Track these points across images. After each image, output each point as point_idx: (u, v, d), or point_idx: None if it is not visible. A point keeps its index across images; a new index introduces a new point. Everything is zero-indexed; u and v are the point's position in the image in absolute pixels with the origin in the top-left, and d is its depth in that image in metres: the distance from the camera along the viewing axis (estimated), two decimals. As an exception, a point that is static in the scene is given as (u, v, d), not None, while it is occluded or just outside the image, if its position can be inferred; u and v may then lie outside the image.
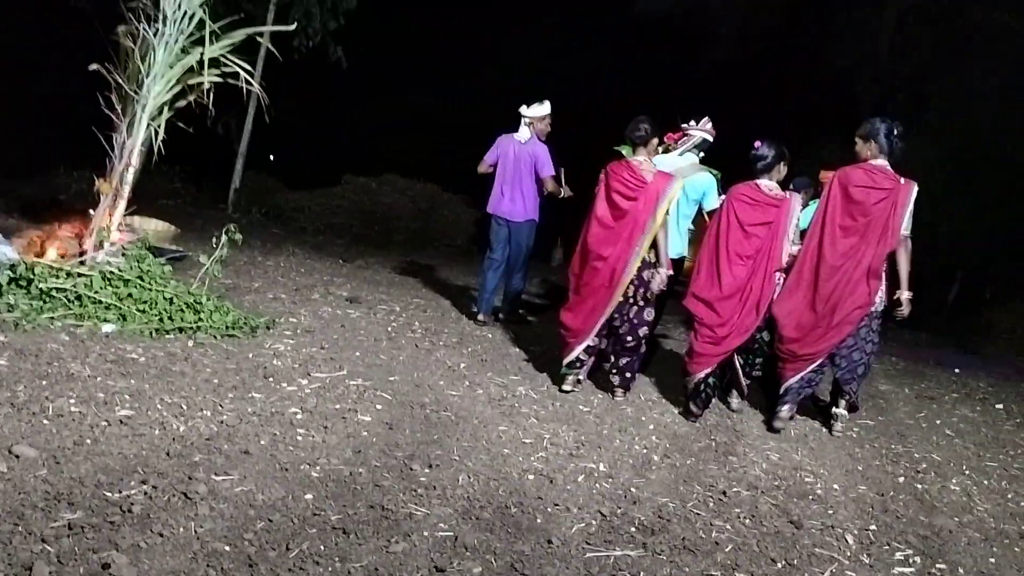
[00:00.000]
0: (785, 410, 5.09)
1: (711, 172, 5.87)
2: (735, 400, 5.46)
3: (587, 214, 5.26)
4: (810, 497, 3.96)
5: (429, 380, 4.91)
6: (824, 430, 5.34)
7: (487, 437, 4.02)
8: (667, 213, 5.05)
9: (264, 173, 16.70)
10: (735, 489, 3.88)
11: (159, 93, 5.59)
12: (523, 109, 7.01)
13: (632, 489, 3.65)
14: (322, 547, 2.63)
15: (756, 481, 4.06)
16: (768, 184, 5.13)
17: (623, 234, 5.02)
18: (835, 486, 4.20)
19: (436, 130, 18.70)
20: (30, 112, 16.64)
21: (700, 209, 5.89)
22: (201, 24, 5.65)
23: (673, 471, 4.03)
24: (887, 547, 3.46)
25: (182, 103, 5.78)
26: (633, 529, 3.21)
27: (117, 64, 5.72)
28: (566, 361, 5.25)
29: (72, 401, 3.47)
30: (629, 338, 5.15)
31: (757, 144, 5.17)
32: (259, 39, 6.41)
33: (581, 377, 5.33)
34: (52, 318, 4.62)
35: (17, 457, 2.85)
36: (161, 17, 5.56)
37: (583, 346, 5.17)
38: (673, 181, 5.09)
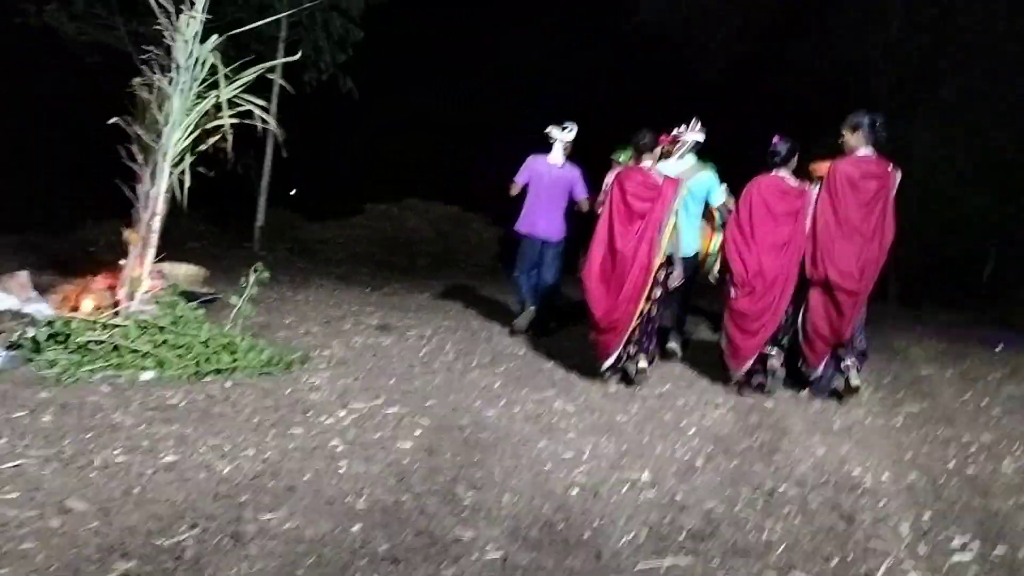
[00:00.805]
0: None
1: (709, 165, 6.24)
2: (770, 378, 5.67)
3: (604, 222, 5.59)
4: (860, 490, 3.90)
5: (465, 402, 4.91)
6: (868, 420, 5.27)
7: (528, 455, 4.01)
8: (676, 214, 5.48)
9: (286, 208, 16.89)
10: (783, 487, 3.83)
11: (178, 140, 5.69)
12: (555, 131, 7.15)
13: (678, 496, 3.62)
14: (373, 578, 2.64)
15: (803, 478, 4.01)
16: (788, 175, 5.50)
17: (646, 235, 5.37)
18: (885, 476, 4.14)
19: (438, 131, 18.74)
20: (55, 168, 17.01)
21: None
22: (214, 69, 5.75)
23: (718, 474, 3.99)
24: (943, 535, 3.40)
25: (202, 147, 5.87)
26: (682, 537, 3.18)
27: (135, 115, 5.84)
28: (607, 364, 5.55)
29: (118, 451, 3.52)
30: (647, 328, 5.59)
31: (776, 139, 5.52)
32: (270, 76, 6.50)
33: (645, 365, 5.61)
34: (92, 371, 4.69)
35: (69, 511, 2.90)
36: (174, 66, 5.66)
37: (620, 346, 5.46)
38: (680, 184, 5.55)
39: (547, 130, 7.19)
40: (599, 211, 6.91)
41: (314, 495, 3.28)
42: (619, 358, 5.54)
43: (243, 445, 3.77)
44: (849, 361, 5.43)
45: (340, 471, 3.57)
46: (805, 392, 5.96)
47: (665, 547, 3.07)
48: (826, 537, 3.28)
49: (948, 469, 4.35)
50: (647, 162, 5.65)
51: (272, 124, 6.20)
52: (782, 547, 3.15)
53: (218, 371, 4.99)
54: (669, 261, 5.54)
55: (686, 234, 6.03)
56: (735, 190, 6.10)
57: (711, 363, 6.75)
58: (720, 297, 5.79)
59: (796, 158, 5.55)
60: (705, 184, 6.23)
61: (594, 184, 7.01)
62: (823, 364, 5.49)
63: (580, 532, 3.15)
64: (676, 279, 5.56)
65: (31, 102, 17.51)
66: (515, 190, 7.30)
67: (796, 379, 5.78)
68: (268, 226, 15.62)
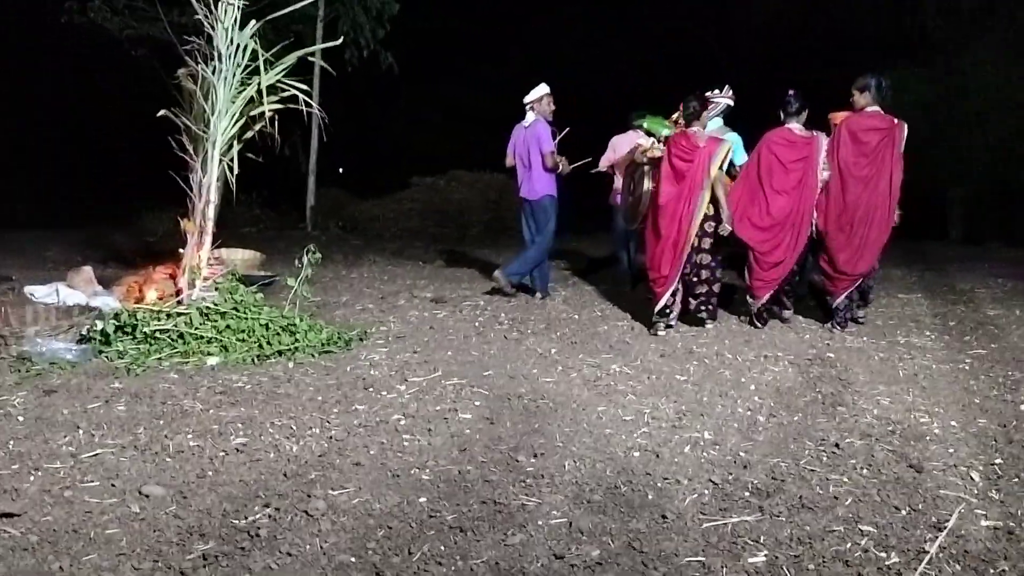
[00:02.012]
0: (859, 313, 6.39)
1: (733, 134, 6.60)
2: (786, 312, 6.44)
3: (655, 181, 6.23)
4: (928, 438, 3.83)
5: (523, 370, 4.95)
6: (934, 367, 5.17)
7: (587, 419, 4.03)
8: (720, 169, 5.95)
9: (335, 187, 17.08)
10: (848, 440, 3.79)
11: (226, 128, 5.78)
12: (525, 98, 7.39)
13: (741, 453, 3.61)
14: (442, 547, 2.69)
15: (869, 429, 3.96)
16: (798, 127, 6.11)
17: (684, 192, 5.93)
18: (953, 423, 4.06)
19: (473, 110, 18.73)
20: (109, 163, 17.45)
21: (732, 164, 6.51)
22: (255, 55, 5.80)
23: (781, 430, 3.96)
24: (1016, 479, 3.33)
25: (249, 134, 5.96)
26: (747, 494, 3.17)
27: (183, 106, 5.94)
28: (657, 309, 6.05)
29: (190, 436, 3.65)
30: (702, 276, 6.12)
31: (791, 92, 6.17)
32: (311, 59, 6.54)
33: (672, 323, 6.14)
34: (159, 359, 4.85)
35: (147, 497, 3.01)
36: (216, 55, 5.73)
37: (670, 291, 5.99)
38: (721, 143, 6.01)
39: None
40: (604, 169, 8.15)
41: (380, 469, 3.35)
42: (668, 308, 6.06)
43: (308, 424, 3.87)
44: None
45: (404, 444, 3.64)
46: (865, 340, 5.89)
47: (730, 505, 3.07)
48: (894, 488, 3.23)
49: (1020, 412, 4.24)
50: (695, 127, 6.08)
51: (315, 107, 6.24)
52: (850, 500, 3.12)
53: (280, 352, 5.11)
54: (716, 215, 6.00)
55: None
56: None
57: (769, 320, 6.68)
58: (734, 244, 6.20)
59: (806, 112, 6.17)
60: (728, 146, 6.35)
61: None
62: (843, 295, 6.14)
63: (643, 494, 3.16)
64: (724, 229, 5.98)
65: (83, 99, 17.95)
66: (509, 161, 7.60)
67: (825, 311, 6.48)
68: (319, 206, 15.85)
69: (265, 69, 5.83)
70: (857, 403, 4.38)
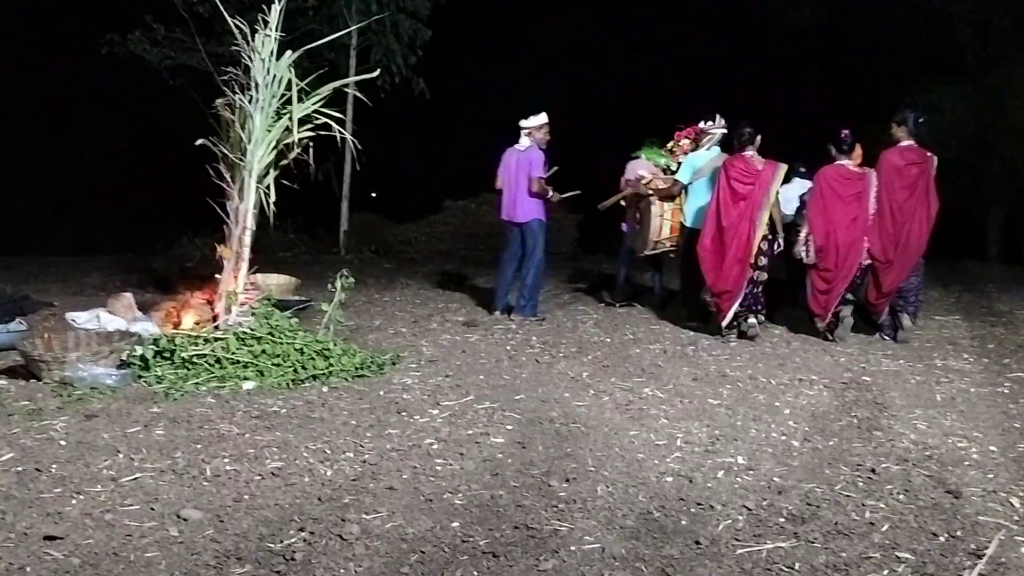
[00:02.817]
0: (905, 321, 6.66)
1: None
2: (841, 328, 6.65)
3: (713, 203, 6.66)
4: (966, 463, 3.78)
5: (554, 394, 4.95)
6: (972, 390, 5.09)
7: (619, 444, 4.02)
8: (777, 193, 6.55)
9: (368, 212, 17.26)
10: (884, 465, 3.74)
11: (262, 157, 5.89)
12: (522, 121, 7.60)
13: (776, 479, 3.58)
14: (475, 572, 2.70)
15: (906, 454, 3.91)
16: (851, 163, 6.64)
17: (747, 212, 6.45)
18: (992, 448, 3.99)
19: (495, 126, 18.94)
20: (148, 191, 17.83)
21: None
22: (290, 85, 5.92)
23: (816, 455, 3.92)
24: (1059, 507, 3.26)
25: (284, 162, 6.07)
26: (782, 520, 3.15)
27: (220, 135, 6.07)
28: (726, 323, 6.59)
29: (226, 460, 3.70)
30: (756, 292, 6.63)
31: (845, 132, 6.61)
32: (345, 89, 6.66)
33: (755, 321, 6.64)
34: (197, 383, 4.93)
35: (185, 520, 3.06)
36: (253, 84, 5.86)
37: (737, 304, 6.52)
38: (779, 168, 6.57)
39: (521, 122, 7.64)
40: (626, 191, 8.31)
41: (413, 494, 3.37)
42: (736, 317, 6.58)
43: (343, 448, 3.91)
44: (908, 310, 6.67)
45: (437, 469, 3.66)
46: (902, 363, 5.82)
47: (765, 531, 3.04)
48: (932, 514, 3.19)
49: (1062, 437, 4.16)
50: (748, 151, 6.64)
51: (349, 135, 6.35)
52: (886, 526, 3.08)
53: (314, 377, 5.17)
54: (772, 233, 6.64)
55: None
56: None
57: (803, 341, 6.63)
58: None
59: (854, 150, 6.70)
60: (783, 169, 6.80)
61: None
62: (884, 313, 6.69)
63: (677, 519, 3.15)
64: (779, 246, 6.66)
65: (123, 128, 18.39)
66: (499, 183, 7.73)
67: (871, 325, 6.86)
68: (352, 230, 16.02)
69: (300, 98, 5.95)
70: (893, 427, 4.33)
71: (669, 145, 7.92)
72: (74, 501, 3.22)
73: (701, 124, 7.39)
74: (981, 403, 4.82)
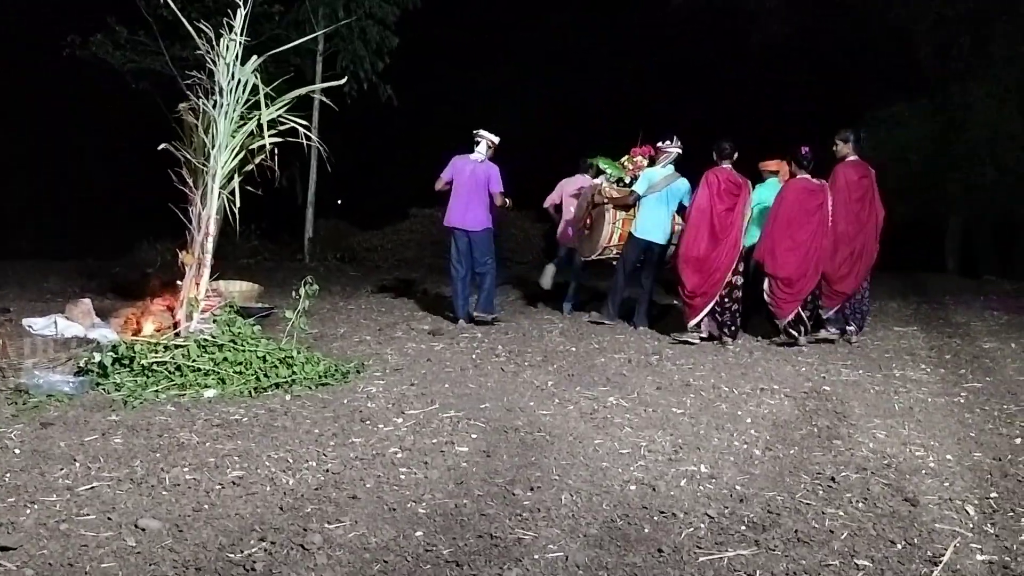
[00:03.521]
0: (834, 330, 7.12)
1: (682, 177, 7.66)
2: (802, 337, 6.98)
3: (696, 208, 7.01)
4: (923, 472, 3.84)
5: (520, 403, 4.95)
6: (930, 400, 5.19)
7: (584, 452, 4.04)
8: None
9: (334, 218, 17.15)
10: (844, 473, 3.80)
11: (226, 162, 5.82)
12: (484, 132, 7.90)
13: (737, 487, 3.61)
14: (438, 582, 2.70)
15: (864, 463, 3.97)
16: (809, 176, 6.95)
17: (736, 221, 6.89)
18: (948, 457, 4.07)
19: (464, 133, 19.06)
20: (108, 194, 17.55)
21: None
22: (256, 89, 5.87)
23: (777, 463, 3.97)
24: (1012, 514, 3.33)
25: (249, 167, 6.00)
26: (743, 527, 3.18)
27: (183, 139, 6.00)
28: (694, 323, 6.97)
29: (186, 469, 3.64)
30: (734, 296, 6.97)
31: (806, 150, 6.96)
32: (312, 95, 6.62)
33: (704, 335, 7.02)
34: (157, 391, 4.85)
35: (143, 530, 3.01)
36: (217, 89, 5.80)
37: (709, 307, 6.90)
38: (748, 184, 7.09)
39: (477, 132, 7.90)
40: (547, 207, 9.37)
41: (376, 503, 3.35)
42: (704, 318, 6.95)
43: (305, 457, 3.87)
44: (855, 320, 7.18)
45: (401, 478, 3.64)
46: (861, 373, 5.91)
47: (727, 539, 3.07)
48: (890, 522, 3.24)
49: (1015, 445, 4.26)
50: (726, 164, 7.05)
51: (315, 140, 6.31)
52: (845, 533, 3.12)
53: (277, 385, 5.12)
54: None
55: (662, 224, 7.63)
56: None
57: (765, 351, 6.72)
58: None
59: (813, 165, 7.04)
60: (682, 189, 7.59)
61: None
62: (835, 310, 7.09)
63: (640, 527, 3.16)
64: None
65: (84, 131, 18.08)
66: (440, 185, 7.87)
67: (816, 322, 7.14)
68: (317, 237, 15.90)
69: (265, 104, 5.89)
70: (853, 436, 4.39)
71: (624, 159, 8.28)
72: (28, 511, 3.15)
73: (659, 144, 7.83)
74: (938, 413, 4.91)
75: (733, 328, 6.99)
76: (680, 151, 7.71)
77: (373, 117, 16.96)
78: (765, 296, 6.96)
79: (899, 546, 3.02)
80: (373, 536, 3.02)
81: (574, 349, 6.70)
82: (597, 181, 8.16)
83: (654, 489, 3.57)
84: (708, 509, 3.35)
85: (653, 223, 7.57)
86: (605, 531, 3.12)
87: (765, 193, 7.34)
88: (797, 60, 17.25)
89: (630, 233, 7.73)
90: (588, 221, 8.17)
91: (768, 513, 3.32)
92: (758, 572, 2.79)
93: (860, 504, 3.43)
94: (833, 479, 3.72)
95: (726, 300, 6.94)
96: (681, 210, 7.59)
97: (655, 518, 3.26)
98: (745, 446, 4.21)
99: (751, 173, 7.41)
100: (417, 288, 10.79)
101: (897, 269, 14.75)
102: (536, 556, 2.89)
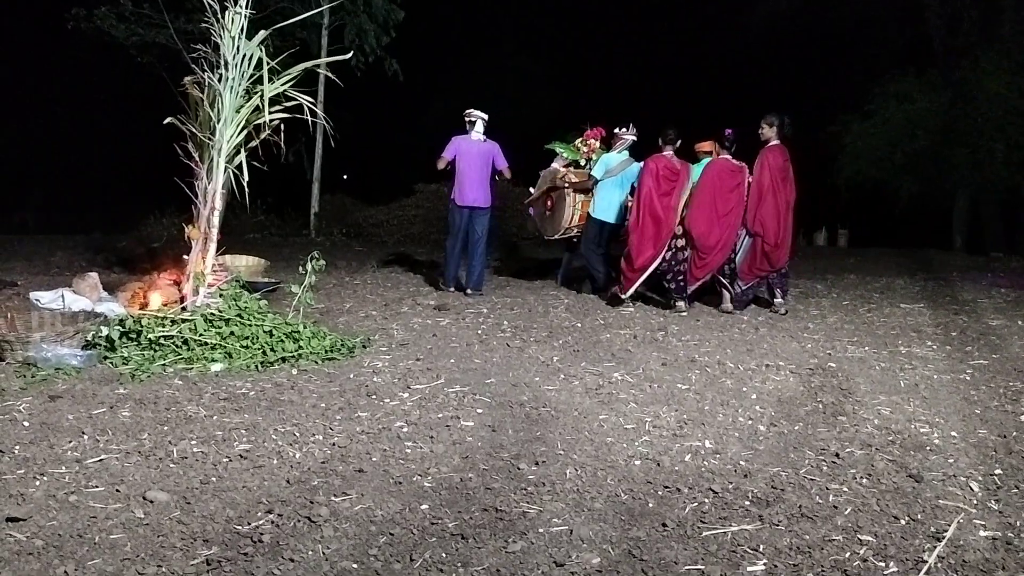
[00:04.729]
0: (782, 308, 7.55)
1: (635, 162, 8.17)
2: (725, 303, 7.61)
3: (638, 194, 7.56)
4: (928, 448, 3.85)
5: (525, 378, 4.97)
6: (935, 377, 5.19)
7: (589, 428, 4.05)
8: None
9: (340, 193, 17.12)
10: (848, 450, 3.80)
11: (231, 136, 5.81)
12: (476, 112, 8.26)
13: (742, 462, 3.63)
14: (444, 554, 2.71)
15: (869, 439, 3.97)
16: (731, 158, 7.57)
17: (671, 203, 7.44)
18: (953, 433, 4.07)
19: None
20: (115, 169, 17.54)
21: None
22: (261, 64, 5.84)
23: (782, 439, 3.98)
24: (1016, 490, 3.34)
25: (254, 142, 5.99)
26: (747, 503, 3.19)
27: (189, 113, 5.98)
28: (628, 294, 7.50)
29: (194, 442, 3.67)
30: (672, 273, 7.48)
31: (729, 132, 7.54)
32: (317, 70, 6.58)
33: (683, 305, 7.47)
34: (164, 365, 4.88)
35: (151, 502, 3.04)
36: (223, 63, 5.77)
37: (642, 280, 7.47)
38: (691, 168, 7.65)
39: (469, 112, 8.29)
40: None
41: (382, 476, 3.37)
42: (637, 289, 7.53)
43: (312, 431, 3.89)
44: (782, 286, 7.64)
45: (406, 452, 3.66)
46: (867, 350, 5.91)
47: (730, 514, 3.08)
48: (894, 497, 3.25)
49: (1020, 423, 4.26)
50: (668, 150, 7.64)
51: (321, 115, 6.28)
52: (849, 509, 3.13)
53: (284, 359, 5.14)
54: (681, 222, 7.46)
55: (617, 206, 8.19)
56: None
57: (771, 328, 6.71)
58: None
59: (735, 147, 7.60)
60: (634, 172, 8.04)
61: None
62: (750, 284, 7.59)
63: (644, 502, 3.18)
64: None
65: (89, 106, 18.03)
66: (442, 164, 8.26)
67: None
68: (323, 212, 15.90)
69: (271, 78, 5.86)
70: (858, 413, 4.40)
71: (578, 142, 8.82)
72: (38, 483, 3.18)
73: (616, 130, 8.41)
74: (943, 390, 4.91)
75: (683, 293, 7.51)
76: (635, 138, 8.30)
77: (379, 92, 16.88)
78: (676, 263, 7.51)
79: (903, 522, 3.03)
80: (379, 509, 3.04)
81: (579, 325, 6.71)
82: (555, 165, 8.76)
83: (658, 464, 3.59)
84: (712, 484, 3.36)
85: (609, 204, 8.21)
86: (609, 505, 3.14)
87: (699, 171, 7.76)
88: (802, 34, 17.07)
89: (588, 214, 8.36)
90: (549, 203, 8.80)
91: (772, 488, 3.33)
92: (762, 547, 2.80)
93: (864, 480, 3.44)
94: (837, 455, 3.73)
95: (674, 267, 7.48)
96: (633, 191, 8.08)
97: (659, 493, 3.27)
98: (750, 422, 4.22)
99: (746, 155, 7.69)
100: (423, 263, 10.79)
101: (904, 246, 14.73)
102: (541, 530, 2.91)
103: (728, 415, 4.32)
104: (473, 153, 8.16)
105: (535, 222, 9.28)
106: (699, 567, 2.66)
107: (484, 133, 8.27)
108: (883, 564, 2.69)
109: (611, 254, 8.33)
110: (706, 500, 3.21)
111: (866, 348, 6.03)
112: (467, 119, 8.28)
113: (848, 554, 2.76)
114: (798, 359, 5.64)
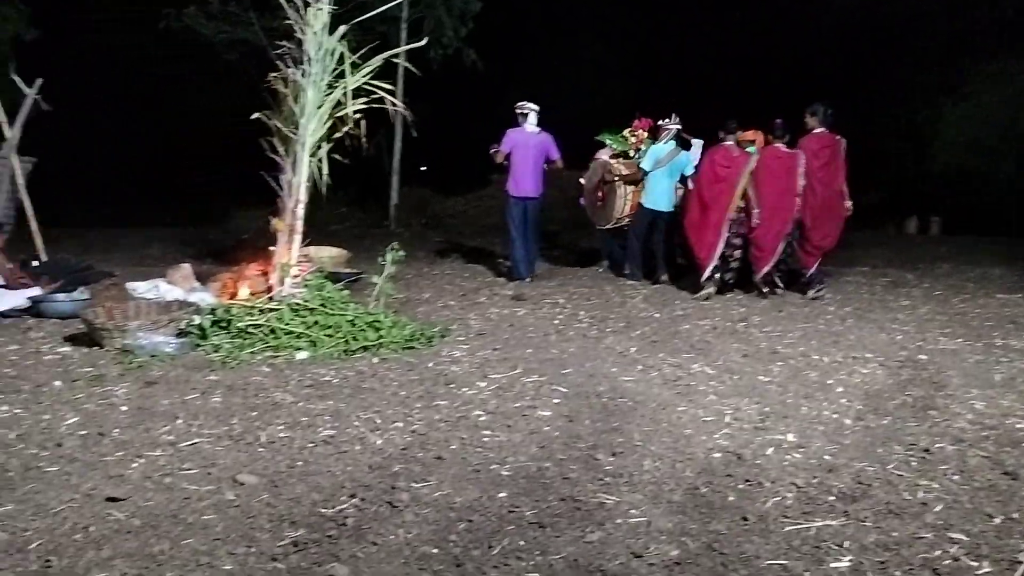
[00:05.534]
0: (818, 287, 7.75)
1: (683, 150, 8.58)
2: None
3: (696, 183, 7.99)
4: (1025, 445, 3.69)
5: (602, 369, 4.95)
6: (1034, 371, 4.96)
7: (667, 419, 4.02)
8: (749, 176, 7.59)
9: (418, 185, 17.34)
10: (939, 445, 3.67)
11: (315, 130, 5.95)
12: (529, 104, 8.46)
13: (826, 457, 3.54)
14: (522, 542, 2.74)
15: (961, 434, 3.82)
16: (783, 145, 7.70)
17: (725, 191, 7.61)
18: (1053, 430, 3.89)
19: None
20: (205, 164, 18.14)
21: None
22: (342, 58, 5.95)
23: (869, 433, 3.86)
24: (1121, 491, 3.17)
25: (337, 135, 6.12)
26: (832, 498, 3.11)
27: (274, 109, 6.14)
28: (704, 277, 7.61)
29: (281, 427, 3.79)
30: (735, 255, 7.69)
31: (779, 121, 7.73)
32: (395, 60, 6.67)
33: (711, 291, 7.59)
34: (252, 353, 5.04)
35: (241, 484, 3.15)
36: (306, 58, 5.91)
37: (712, 266, 7.60)
38: (751, 158, 7.69)
39: (521, 105, 8.49)
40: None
41: (461, 464, 3.42)
42: (712, 272, 7.59)
43: (392, 418, 3.97)
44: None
45: (484, 440, 3.70)
46: (960, 342, 5.69)
47: (814, 509, 3.02)
48: (988, 495, 3.12)
49: None
50: (729, 140, 7.78)
51: (400, 107, 6.37)
52: (940, 506, 3.03)
53: (365, 348, 5.25)
54: (743, 209, 7.60)
55: (668, 194, 8.52)
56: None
57: (858, 319, 6.52)
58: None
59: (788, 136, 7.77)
60: (684, 161, 8.50)
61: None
62: (814, 267, 7.74)
63: (724, 495, 3.14)
64: (756, 217, 7.57)
65: (180, 102, 18.68)
66: (500, 158, 8.46)
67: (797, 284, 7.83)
68: (402, 203, 16.12)
69: (351, 71, 5.98)
70: (950, 407, 4.24)
71: (626, 132, 9.15)
72: (135, 464, 3.33)
73: (660, 122, 8.68)
74: (1042, 383, 4.69)
75: (731, 283, 7.76)
76: (680, 127, 8.58)
77: (457, 83, 16.99)
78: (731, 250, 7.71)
79: (997, 520, 2.91)
80: (458, 496, 3.09)
81: (658, 315, 6.64)
82: (603, 157, 9.05)
83: (739, 457, 3.53)
84: (795, 478, 3.29)
85: (660, 194, 8.49)
86: (688, 498, 3.11)
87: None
88: (888, 16, 16.44)
89: (639, 203, 8.64)
90: (601, 195, 9.14)
91: (858, 484, 3.25)
92: (846, 543, 2.73)
93: (956, 476, 3.31)
94: (928, 451, 3.60)
95: (728, 259, 7.64)
96: (683, 180, 8.55)
97: (740, 486, 3.22)
98: (835, 416, 4.11)
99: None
100: (499, 254, 10.84)
101: (1001, 234, 14.06)
102: (619, 520, 2.90)
103: (812, 408, 4.23)
104: (529, 145, 8.37)
105: (589, 213, 9.59)
106: (781, 562, 2.61)
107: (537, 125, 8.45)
108: (976, 563, 2.60)
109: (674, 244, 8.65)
110: (789, 495, 3.14)
111: (959, 340, 5.80)
112: (519, 112, 8.46)
113: (938, 552, 2.67)
114: (887, 351, 5.46)
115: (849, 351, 5.43)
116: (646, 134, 9.01)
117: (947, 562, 2.61)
